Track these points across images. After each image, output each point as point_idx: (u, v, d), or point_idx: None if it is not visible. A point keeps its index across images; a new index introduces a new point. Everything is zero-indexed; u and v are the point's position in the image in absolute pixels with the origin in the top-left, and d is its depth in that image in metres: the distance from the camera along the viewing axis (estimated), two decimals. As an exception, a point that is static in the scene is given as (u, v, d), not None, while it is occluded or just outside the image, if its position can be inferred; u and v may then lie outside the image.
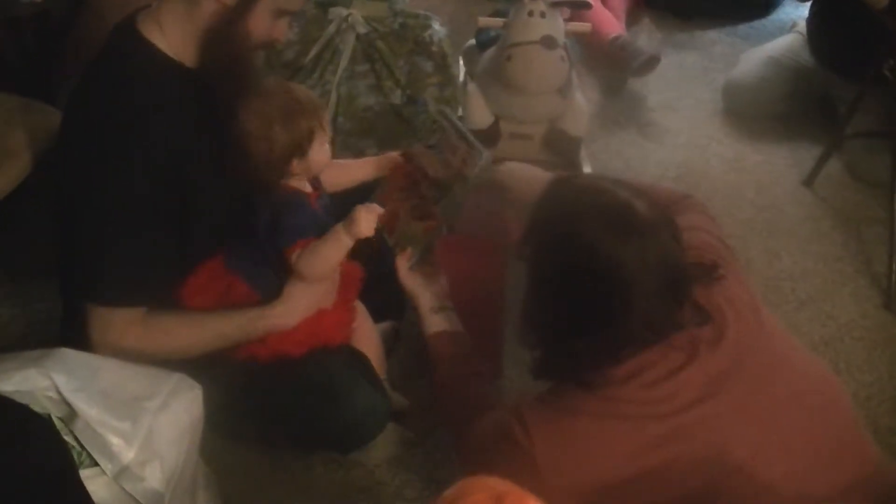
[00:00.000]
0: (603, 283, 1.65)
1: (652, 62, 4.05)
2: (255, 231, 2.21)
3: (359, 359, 2.37)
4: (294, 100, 2.17)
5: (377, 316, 2.55)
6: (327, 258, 2.21)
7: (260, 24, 2.08)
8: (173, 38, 2.06)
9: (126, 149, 1.97)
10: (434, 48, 3.27)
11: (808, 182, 3.67)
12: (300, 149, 2.16)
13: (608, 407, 1.71)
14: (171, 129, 2.02)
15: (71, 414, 1.79)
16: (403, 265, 2.37)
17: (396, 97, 3.26)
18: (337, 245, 2.20)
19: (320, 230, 2.23)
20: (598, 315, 1.68)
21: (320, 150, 2.21)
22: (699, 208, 2.18)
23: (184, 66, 2.08)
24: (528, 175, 2.47)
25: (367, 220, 2.18)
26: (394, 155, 2.50)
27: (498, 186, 2.51)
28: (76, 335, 2.09)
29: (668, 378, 1.68)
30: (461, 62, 3.68)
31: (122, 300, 2.06)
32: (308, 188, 2.27)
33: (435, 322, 2.33)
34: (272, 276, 2.25)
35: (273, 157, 2.13)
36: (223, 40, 2.06)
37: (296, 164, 2.18)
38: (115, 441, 1.79)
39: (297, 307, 2.23)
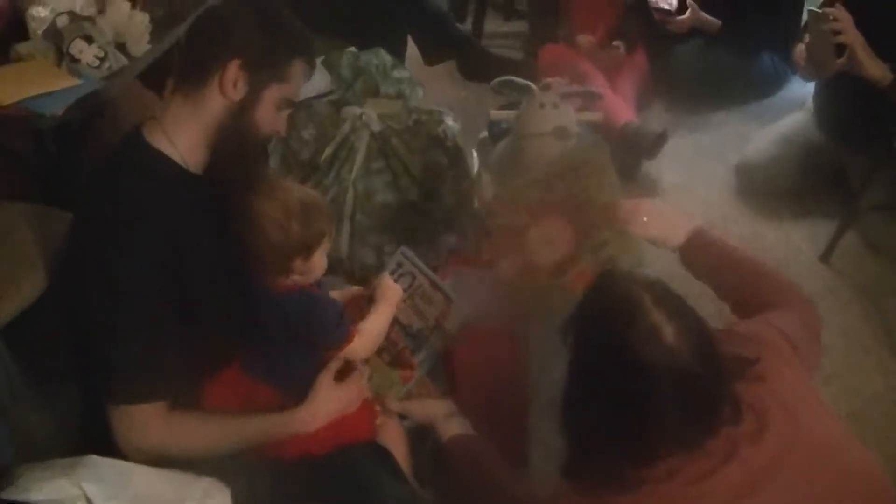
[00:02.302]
0: (625, 392, 1.66)
1: (660, 140, 4.09)
2: (272, 335, 2.23)
3: (384, 454, 2.37)
4: (314, 200, 2.21)
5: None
6: (383, 333, 2.39)
7: (266, 115, 2.16)
8: (181, 142, 2.11)
9: (131, 255, 2.00)
10: (448, 143, 3.30)
11: (826, 257, 3.68)
12: (308, 249, 2.19)
13: (644, 495, 1.68)
14: (176, 235, 2.05)
15: (103, 523, 1.80)
16: (394, 403, 2.46)
17: (413, 193, 3.29)
18: (389, 318, 2.40)
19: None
20: (624, 420, 1.68)
21: (321, 258, 2.25)
22: (800, 308, 2.17)
23: (189, 171, 2.13)
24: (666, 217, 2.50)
25: (398, 287, 2.44)
26: (355, 289, 2.57)
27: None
28: (100, 437, 2.09)
29: (708, 475, 1.66)
30: (475, 155, 3.71)
31: (139, 397, 2.07)
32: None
33: (451, 427, 2.34)
34: (293, 374, 2.26)
35: (283, 248, 2.16)
36: (233, 136, 2.12)
37: (298, 265, 2.20)
38: (147, 548, 1.80)
39: (322, 412, 2.24)
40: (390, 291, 2.43)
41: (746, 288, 2.23)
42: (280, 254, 2.16)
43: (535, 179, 2.51)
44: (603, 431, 1.72)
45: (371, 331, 2.34)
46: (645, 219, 2.44)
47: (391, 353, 2.47)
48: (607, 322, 1.72)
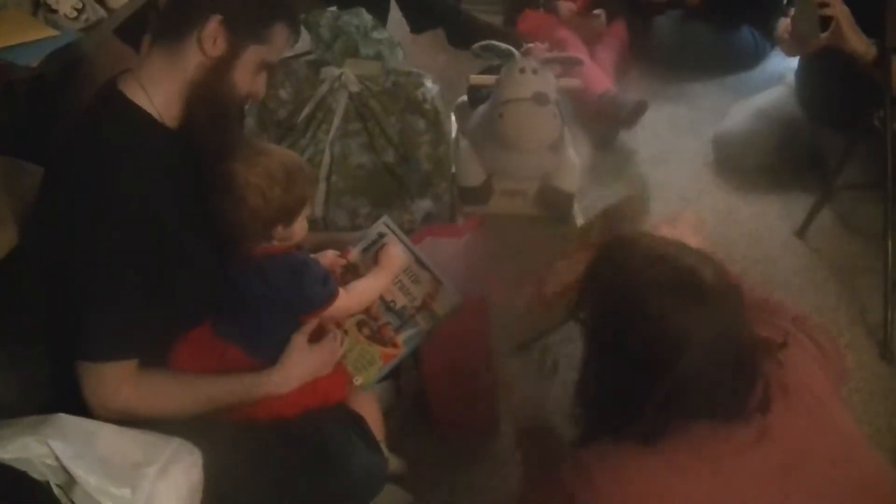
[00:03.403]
0: (670, 353, 1.61)
1: (639, 108, 4.08)
2: (249, 298, 2.20)
3: (355, 419, 2.35)
4: (297, 164, 2.18)
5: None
6: (373, 297, 2.39)
7: (244, 76, 2.12)
8: (157, 97, 2.07)
9: (105, 207, 1.96)
10: (426, 106, 3.28)
11: (801, 233, 3.69)
12: (290, 214, 2.16)
13: (673, 464, 1.65)
14: (151, 188, 2.01)
15: (70, 481, 1.77)
16: None
17: (389, 155, 3.27)
18: (385, 284, 2.40)
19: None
20: (662, 383, 1.63)
21: (302, 222, 2.22)
22: (827, 339, 2.07)
23: (165, 125, 2.09)
24: None
25: (399, 255, 2.43)
26: (332, 254, 2.52)
27: None
28: (67, 398, 2.06)
29: (738, 454, 1.64)
30: (453, 119, 3.68)
31: (110, 354, 2.03)
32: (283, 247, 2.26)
33: None
34: (267, 337, 2.24)
35: (264, 215, 2.12)
36: (209, 93, 2.07)
37: (279, 230, 2.17)
38: (114, 508, 1.78)
39: (294, 375, 2.22)
40: (395, 260, 2.42)
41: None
42: (261, 220, 2.13)
43: (577, 229, 2.50)
44: (627, 391, 1.70)
45: (362, 291, 2.32)
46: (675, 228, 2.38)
47: (371, 329, 2.45)
48: (643, 280, 1.67)
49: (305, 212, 2.21)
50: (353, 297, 2.29)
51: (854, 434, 1.78)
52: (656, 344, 1.63)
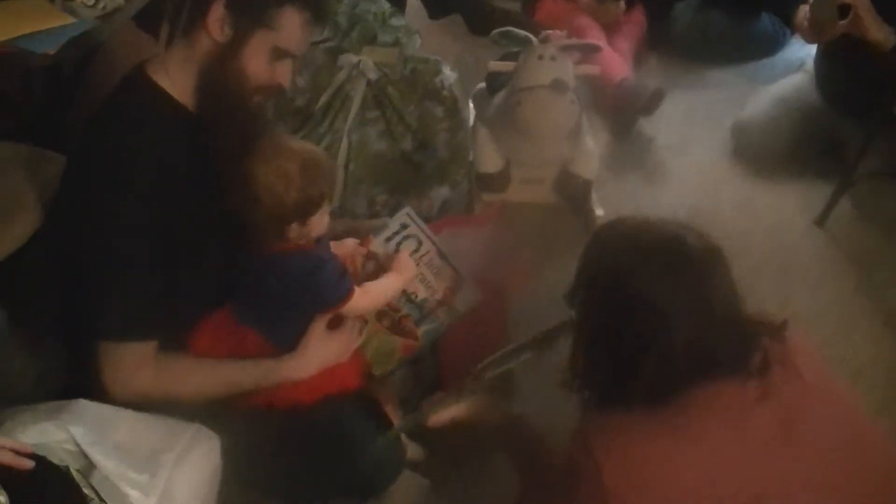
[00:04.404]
0: (661, 316, 1.67)
1: (657, 97, 4.05)
2: (267, 289, 2.20)
3: (373, 406, 2.36)
4: (316, 161, 2.15)
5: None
6: (387, 300, 2.38)
7: (257, 63, 2.09)
8: (178, 82, 2.09)
9: (124, 190, 1.97)
10: (445, 93, 3.27)
11: (820, 222, 3.67)
12: (305, 214, 2.14)
13: (675, 427, 1.68)
14: (170, 170, 2.02)
15: (89, 466, 1.78)
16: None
17: (407, 143, 3.27)
18: (399, 289, 2.39)
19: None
20: (658, 343, 1.68)
21: (321, 220, 2.19)
22: None
23: (188, 109, 2.10)
24: None
25: (413, 263, 2.41)
26: (351, 242, 2.52)
27: None
28: (86, 383, 2.07)
29: (738, 414, 1.67)
30: (471, 106, 3.68)
31: (128, 334, 2.04)
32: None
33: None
34: (285, 327, 2.24)
35: (278, 214, 2.11)
36: (218, 79, 2.07)
37: (294, 229, 2.16)
38: (133, 493, 1.78)
39: (313, 361, 2.22)
40: (408, 265, 2.41)
41: None
42: (275, 220, 2.11)
43: None
44: (636, 356, 1.72)
45: (376, 293, 2.30)
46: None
47: (392, 319, 2.44)
48: (627, 253, 1.75)
49: (324, 208, 2.19)
50: (368, 296, 2.27)
51: (855, 405, 1.83)
52: (646, 308, 1.69)
